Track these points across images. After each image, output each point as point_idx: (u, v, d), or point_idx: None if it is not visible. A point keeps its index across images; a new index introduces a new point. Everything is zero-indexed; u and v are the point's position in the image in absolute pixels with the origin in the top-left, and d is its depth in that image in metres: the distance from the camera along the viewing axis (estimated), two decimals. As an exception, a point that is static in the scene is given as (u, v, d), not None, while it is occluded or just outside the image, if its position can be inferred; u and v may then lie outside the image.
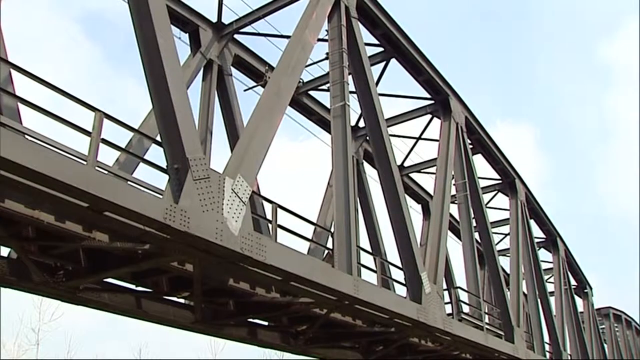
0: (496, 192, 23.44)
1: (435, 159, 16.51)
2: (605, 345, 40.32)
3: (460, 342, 14.72)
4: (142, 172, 11.01)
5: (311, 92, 16.70)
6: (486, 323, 16.56)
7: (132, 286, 9.95)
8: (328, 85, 12.52)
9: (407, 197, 18.19)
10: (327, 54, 12.66)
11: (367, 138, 14.46)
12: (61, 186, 6.00)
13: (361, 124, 17.33)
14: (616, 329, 47.23)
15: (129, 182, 8.40)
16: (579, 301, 34.44)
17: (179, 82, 7.75)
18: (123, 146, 9.83)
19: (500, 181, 22.82)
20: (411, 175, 20.99)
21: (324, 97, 16.78)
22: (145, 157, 10.17)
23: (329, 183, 15.66)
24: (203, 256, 7.93)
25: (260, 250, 8.13)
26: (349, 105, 11.73)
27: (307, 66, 14.26)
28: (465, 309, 16.73)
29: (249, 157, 8.61)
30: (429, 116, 17.89)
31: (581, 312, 33.72)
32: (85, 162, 6.93)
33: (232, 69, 14.46)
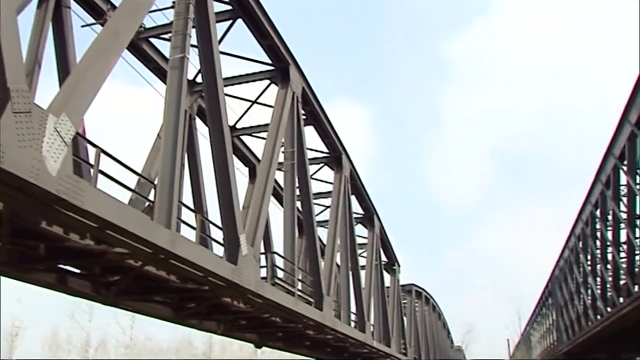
0: (323, 164, 24.05)
1: (268, 124, 16.64)
2: (405, 318, 43.17)
3: (271, 305, 15.07)
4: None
5: (152, 40, 16.16)
6: (298, 290, 17.08)
7: None
8: (170, 35, 12.20)
9: (235, 159, 18.26)
10: (173, 2, 12.32)
11: (203, 94, 14.30)
12: None
13: (199, 79, 17.06)
14: (416, 304, 51.02)
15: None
16: (387, 276, 36.43)
17: (8, 4, 7.19)
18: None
19: (328, 155, 23.46)
20: (242, 137, 21.03)
21: (164, 47, 16.30)
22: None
23: (158, 134, 15.31)
24: (15, 194, 7.49)
25: (77, 195, 7.82)
26: (187, 59, 11.54)
27: (151, 12, 13.83)
28: (280, 274, 17.14)
29: (77, 96, 8.22)
30: (267, 81, 17.96)
31: (387, 287, 35.70)
32: None
33: (72, 1, 13.67)
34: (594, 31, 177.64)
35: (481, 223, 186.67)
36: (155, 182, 11.93)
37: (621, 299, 27.50)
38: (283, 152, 17.24)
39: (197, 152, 17.10)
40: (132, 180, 13.21)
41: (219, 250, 13.72)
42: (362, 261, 28.60)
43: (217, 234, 14.21)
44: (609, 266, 30.25)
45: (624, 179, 25.05)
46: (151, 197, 12.38)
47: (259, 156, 17.95)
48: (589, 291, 35.28)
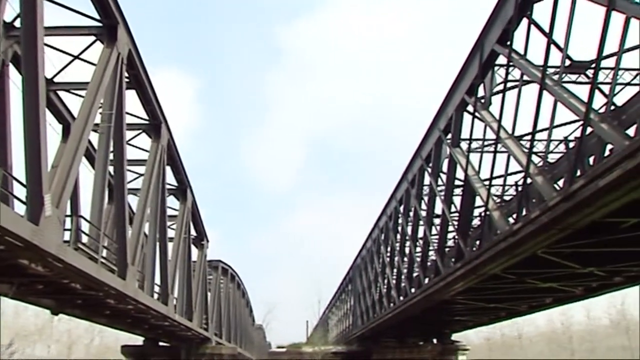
0: (141, 131, 23.55)
1: (88, 82, 15.87)
2: (209, 294, 43.46)
3: (71, 271, 14.53)
4: None
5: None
6: (102, 257, 16.55)
7: None
8: (-13, -30, 11.27)
9: (49, 114, 17.30)
10: None
11: (20, 40, 13.37)
12: None
13: (17, 24, 15.91)
14: (221, 281, 51.63)
15: None
16: (194, 251, 36.42)
17: None
18: None
19: (147, 122, 22.95)
20: (59, 92, 19.96)
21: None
22: None
23: (-37, 78, 14.13)
24: None
25: None
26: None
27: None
28: (85, 239, 16.52)
29: None
30: (93, 37, 17.16)
31: (194, 261, 35.67)
32: None
33: None
34: (424, 34, 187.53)
35: (293, 207, 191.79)
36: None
37: (413, 289, 29.52)
38: (101, 113, 16.57)
39: (6, 101, 15.96)
40: None
41: (20, 208, 12.95)
42: (171, 233, 28.34)
43: (20, 191, 13.40)
44: (405, 259, 32.29)
45: (427, 179, 26.70)
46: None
47: (75, 114, 17.11)
48: (386, 280, 37.39)
